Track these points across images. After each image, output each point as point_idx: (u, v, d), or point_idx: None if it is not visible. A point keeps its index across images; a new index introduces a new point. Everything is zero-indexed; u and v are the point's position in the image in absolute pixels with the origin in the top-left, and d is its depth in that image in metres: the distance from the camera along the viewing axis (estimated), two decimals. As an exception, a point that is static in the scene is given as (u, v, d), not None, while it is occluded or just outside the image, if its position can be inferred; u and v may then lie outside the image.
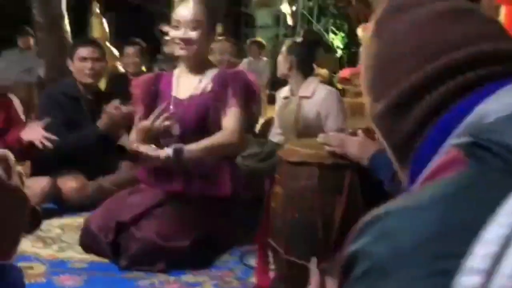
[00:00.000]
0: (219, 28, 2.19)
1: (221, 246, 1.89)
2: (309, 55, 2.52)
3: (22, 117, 3.35)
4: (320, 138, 1.41)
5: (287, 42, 2.63)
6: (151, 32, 5.38)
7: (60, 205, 2.38)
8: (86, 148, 2.47)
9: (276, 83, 4.00)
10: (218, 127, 1.88)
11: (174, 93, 1.95)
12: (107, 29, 5.41)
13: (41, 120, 2.47)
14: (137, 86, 2.02)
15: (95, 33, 5.21)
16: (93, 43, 2.79)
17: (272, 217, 1.46)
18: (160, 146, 1.85)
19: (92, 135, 2.48)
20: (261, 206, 1.56)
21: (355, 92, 4.59)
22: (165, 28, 2.01)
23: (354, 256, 0.43)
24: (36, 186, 2.25)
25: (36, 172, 2.48)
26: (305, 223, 1.36)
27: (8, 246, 0.43)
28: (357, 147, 1.29)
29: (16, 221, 0.43)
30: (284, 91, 2.67)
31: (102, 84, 3.49)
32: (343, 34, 9.14)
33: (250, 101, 1.97)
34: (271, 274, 1.58)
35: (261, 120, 3.40)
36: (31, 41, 5.43)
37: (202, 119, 1.88)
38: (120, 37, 4.88)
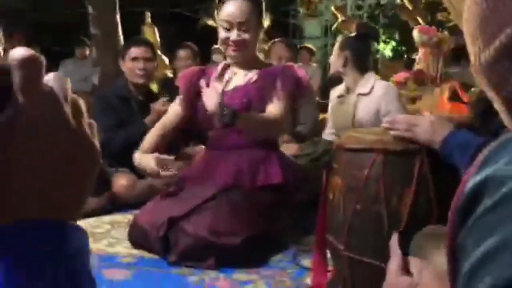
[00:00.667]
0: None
1: (273, 245, 1.80)
2: (365, 49, 2.40)
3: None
4: (385, 122, 1.29)
5: (340, 37, 2.52)
6: (199, 41, 5.45)
7: (110, 202, 2.38)
8: (134, 145, 2.46)
9: (326, 92, 3.89)
10: None
11: (221, 86, 1.92)
12: (158, 38, 5.52)
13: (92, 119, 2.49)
14: (182, 78, 2.02)
15: (147, 41, 5.33)
16: (145, 43, 2.82)
17: (330, 210, 1.34)
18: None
19: (139, 131, 2.47)
20: (316, 207, 1.45)
21: (410, 97, 4.40)
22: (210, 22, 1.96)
23: (480, 187, 0.34)
24: None
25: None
26: (368, 216, 1.24)
27: (73, 203, 0.36)
28: (428, 128, 1.15)
29: (83, 175, 0.36)
30: (338, 90, 2.55)
31: (154, 88, 3.52)
32: (394, 43, 8.90)
33: (298, 96, 1.91)
34: (328, 275, 1.46)
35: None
36: (87, 51, 5.63)
37: (245, 109, 1.82)
38: (169, 47, 4.97)
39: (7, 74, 0.32)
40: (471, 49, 0.50)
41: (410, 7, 7.00)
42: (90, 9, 5.16)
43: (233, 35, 1.83)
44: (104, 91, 2.93)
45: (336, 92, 2.56)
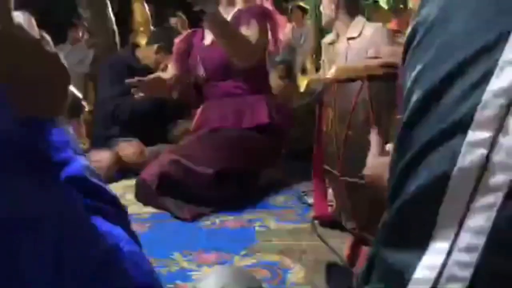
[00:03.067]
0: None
1: (275, 187, 1.92)
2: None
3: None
4: (370, 52, 1.35)
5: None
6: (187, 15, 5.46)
7: (121, 170, 2.47)
8: (140, 113, 2.55)
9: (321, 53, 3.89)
10: (240, 67, 1.91)
11: (204, 42, 2.07)
12: (148, 13, 5.51)
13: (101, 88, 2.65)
14: (176, 43, 2.18)
15: (138, 17, 5.33)
16: None
17: (325, 141, 1.42)
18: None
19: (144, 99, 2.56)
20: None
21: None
22: None
23: (414, 28, 0.43)
24: (102, 160, 2.36)
25: (96, 146, 2.60)
26: (359, 140, 1.31)
27: (54, 104, 0.43)
28: None
29: (54, 80, 0.43)
30: (329, 38, 2.59)
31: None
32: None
33: (267, 24, 2.01)
34: (330, 208, 1.54)
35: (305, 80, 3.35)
36: (80, 34, 5.65)
37: (222, 58, 1.93)
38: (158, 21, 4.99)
39: None
40: None
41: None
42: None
43: None
44: (111, 60, 2.95)
45: (327, 39, 2.60)
